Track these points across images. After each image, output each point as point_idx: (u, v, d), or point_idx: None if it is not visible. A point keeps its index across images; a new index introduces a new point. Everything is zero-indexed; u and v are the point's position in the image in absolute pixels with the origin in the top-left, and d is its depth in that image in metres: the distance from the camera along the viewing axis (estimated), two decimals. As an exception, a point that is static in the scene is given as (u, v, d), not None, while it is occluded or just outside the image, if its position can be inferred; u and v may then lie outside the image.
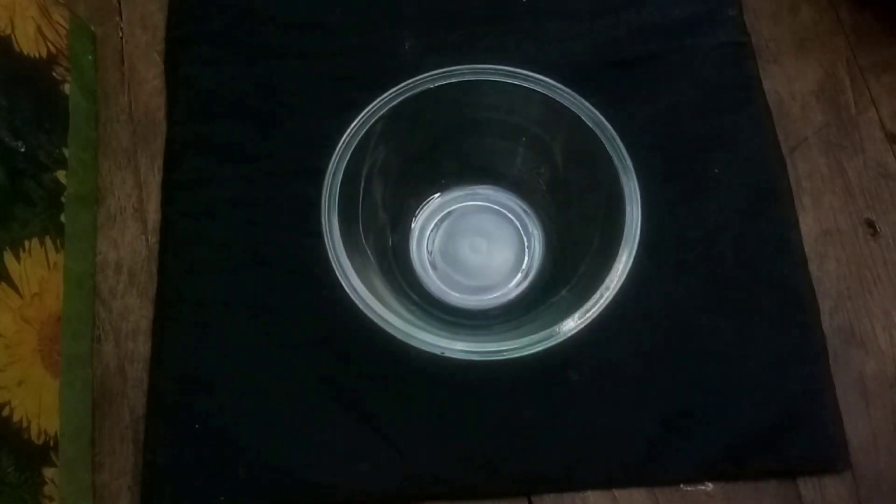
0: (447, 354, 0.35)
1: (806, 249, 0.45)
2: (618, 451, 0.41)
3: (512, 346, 0.35)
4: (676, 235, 0.44)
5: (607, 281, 0.36)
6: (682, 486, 0.41)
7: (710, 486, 0.41)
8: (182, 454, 0.41)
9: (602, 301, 0.35)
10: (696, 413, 0.41)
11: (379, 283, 0.40)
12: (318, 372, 0.42)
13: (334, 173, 0.38)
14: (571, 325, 0.35)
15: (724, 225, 0.45)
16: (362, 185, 0.40)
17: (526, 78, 0.39)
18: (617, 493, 0.41)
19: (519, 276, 0.44)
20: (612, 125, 0.38)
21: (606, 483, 0.41)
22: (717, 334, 0.43)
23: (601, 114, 0.39)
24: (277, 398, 0.42)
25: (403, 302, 0.41)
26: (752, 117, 0.47)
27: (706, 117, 0.47)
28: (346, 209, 0.38)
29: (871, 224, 0.46)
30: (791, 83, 0.49)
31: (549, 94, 0.39)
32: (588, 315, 0.35)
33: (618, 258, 0.36)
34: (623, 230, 0.37)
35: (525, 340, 0.35)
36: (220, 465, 0.41)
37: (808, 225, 0.46)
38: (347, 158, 0.38)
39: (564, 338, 0.35)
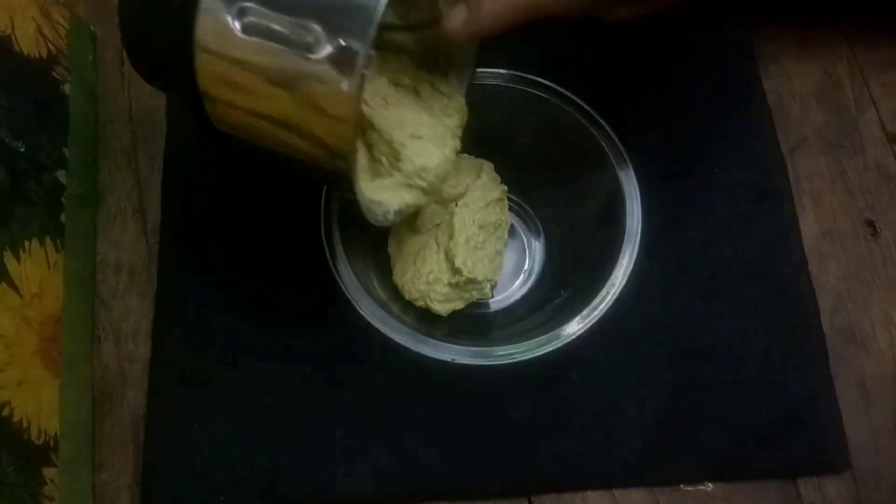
0: (457, 361, 0.35)
1: (806, 249, 0.45)
2: (618, 451, 0.41)
3: (520, 350, 0.35)
4: (676, 235, 0.45)
5: (611, 280, 0.36)
6: (682, 486, 0.41)
7: (710, 486, 0.41)
8: (182, 454, 0.41)
9: (607, 301, 0.36)
10: (695, 413, 0.41)
11: (380, 287, 0.40)
12: (318, 372, 0.42)
13: None
14: (577, 326, 0.35)
15: (724, 225, 0.45)
16: None
17: (525, 80, 0.39)
18: (617, 493, 0.41)
19: (521, 277, 0.44)
20: (611, 126, 0.39)
21: (606, 483, 0.41)
22: (716, 334, 0.43)
23: (600, 114, 0.39)
24: (277, 398, 0.42)
25: (402, 305, 0.41)
26: (752, 117, 0.47)
27: (706, 117, 0.47)
28: (347, 213, 0.38)
29: (871, 224, 0.46)
30: (791, 83, 0.49)
31: (549, 96, 0.39)
32: (594, 315, 0.35)
33: (620, 258, 0.36)
34: (624, 230, 0.37)
35: (531, 343, 0.35)
36: (220, 465, 0.41)
37: (808, 225, 0.46)
38: None
39: (571, 339, 0.35)
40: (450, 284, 0.40)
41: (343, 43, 0.26)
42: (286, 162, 0.31)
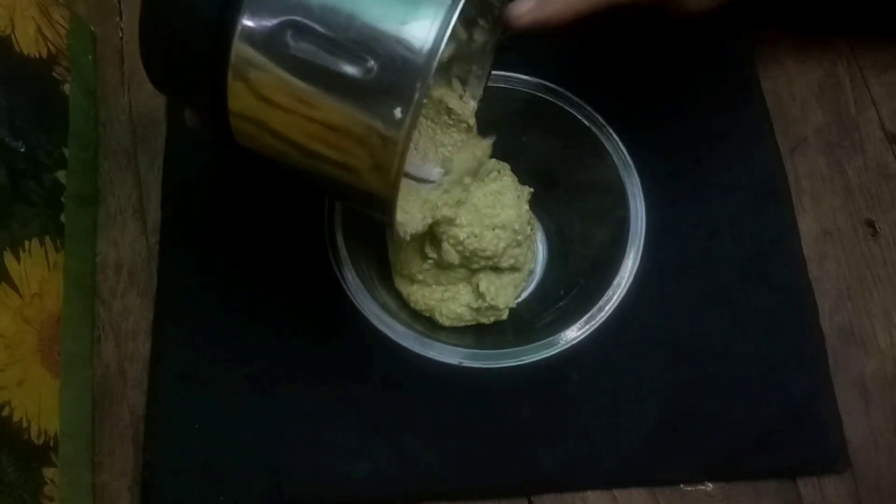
0: (464, 365, 0.35)
1: (806, 249, 0.45)
2: (618, 451, 0.41)
3: (524, 353, 0.35)
4: (676, 235, 0.44)
5: (614, 285, 0.36)
6: (682, 486, 0.41)
7: (710, 486, 0.41)
8: (182, 454, 0.41)
9: (611, 305, 0.36)
10: (695, 413, 0.41)
11: (383, 290, 0.40)
12: (319, 372, 0.42)
13: None
14: (581, 329, 0.35)
15: (724, 225, 0.45)
16: None
17: (526, 82, 0.39)
18: (617, 493, 0.41)
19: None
20: (611, 125, 0.39)
21: (606, 483, 0.41)
22: (716, 335, 0.43)
23: (600, 114, 0.39)
24: (278, 398, 0.42)
25: (405, 308, 0.41)
26: (751, 117, 0.47)
27: (706, 118, 0.47)
28: (352, 217, 0.38)
29: (871, 224, 0.46)
30: (791, 83, 0.49)
31: (549, 96, 0.39)
32: (598, 319, 0.35)
33: (623, 262, 0.36)
34: (628, 234, 0.37)
35: (536, 346, 0.35)
36: (220, 465, 0.41)
37: (808, 225, 0.46)
38: None
39: (575, 342, 0.35)
40: (468, 307, 0.40)
41: (402, 71, 0.23)
42: (313, 182, 0.30)
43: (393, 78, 0.24)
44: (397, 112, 0.24)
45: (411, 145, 0.36)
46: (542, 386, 0.42)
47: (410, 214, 0.35)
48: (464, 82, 0.37)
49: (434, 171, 0.37)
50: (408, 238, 0.34)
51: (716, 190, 0.46)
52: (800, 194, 0.46)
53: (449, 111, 0.36)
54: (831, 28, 0.50)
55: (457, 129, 0.37)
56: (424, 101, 0.24)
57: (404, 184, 0.35)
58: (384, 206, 0.28)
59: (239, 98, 0.26)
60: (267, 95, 0.26)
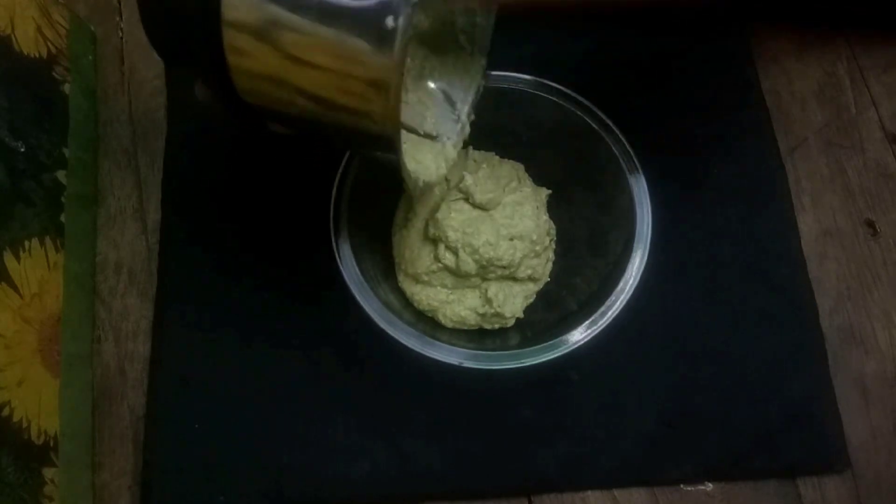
0: (465, 365, 0.35)
1: (806, 249, 0.45)
2: (618, 451, 0.41)
3: (527, 355, 0.35)
4: (676, 236, 0.44)
5: (619, 289, 0.36)
6: (682, 486, 0.41)
7: (710, 486, 0.41)
8: (181, 454, 0.41)
9: (614, 309, 0.36)
10: (696, 413, 0.41)
11: (387, 289, 0.40)
12: (319, 372, 0.42)
13: (342, 178, 0.38)
14: (584, 332, 0.36)
15: (724, 225, 0.45)
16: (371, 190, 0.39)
17: (530, 82, 0.39)
18: (617, 493, 0.41)
19: None
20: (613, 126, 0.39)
21: (606, 483, 0.41)
22: (717, 335, 0.43)
23: (603, 115, 0.39)
24: (278, 398, 0.42)
25: (409, 307, 0.41)
26: (751, 119, 0.47)
27: (706, 118, 0.47)
28: (356, 216, 0.38)
29: (871, 224, 0.46)
30: (791, 83, 0.49)
31: (553, 96, 0.39)
32: (601, 322, 0.35)
33: (629, 266, 0.36)
34: (633, 237, 0.37)
35: (538, 349, 0.35)
36: (220, 465, 0.41)
37: (808, 225, 0.46)
38: (356, 164, 0.38)
39: (578, 345, 0.35)
40: (473, 311, 0.40)
41: None
42: (319, 129, 0.29)
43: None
44: (389, 21, 0.23)
45: (417, 97, 0.35)
46: (543, 386, 0.42)
47: (423, 164, 0.35)
48: (470, 37, 0.36)
49: (446, 127, 0.37)
50: (420, 185, 0.33)
51: (716, 190, 0.46)
52: (800, 194, 0.46)
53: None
54: (831, 28, 0.50)
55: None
56: (418, 11, 0.24)
57: (414, 138, 0.35)
58: (388, 140, 0.27)
59: (237, 50, 0.26)
60: (263, 40, 0.25)
